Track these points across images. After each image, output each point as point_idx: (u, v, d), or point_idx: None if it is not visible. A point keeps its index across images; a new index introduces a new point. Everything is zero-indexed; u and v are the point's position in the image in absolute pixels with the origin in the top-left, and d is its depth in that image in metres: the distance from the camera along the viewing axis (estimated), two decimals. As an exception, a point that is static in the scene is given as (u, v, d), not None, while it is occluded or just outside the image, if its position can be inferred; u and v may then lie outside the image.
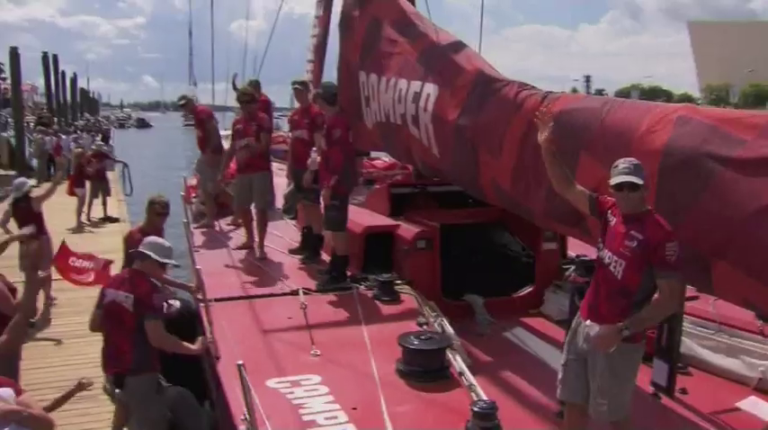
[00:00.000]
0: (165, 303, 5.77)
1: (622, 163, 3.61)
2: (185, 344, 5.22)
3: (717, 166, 3.62)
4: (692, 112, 3.97)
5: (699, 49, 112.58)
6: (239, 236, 8.76)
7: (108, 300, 5.15)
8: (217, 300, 6.05)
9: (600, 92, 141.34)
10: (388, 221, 7.04)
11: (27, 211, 9.25)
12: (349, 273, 6.75)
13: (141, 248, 5.22)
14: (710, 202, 3.65)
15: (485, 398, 4.22)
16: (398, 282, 6.41)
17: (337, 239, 6.80)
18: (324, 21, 10.32)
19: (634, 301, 3.57)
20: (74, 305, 9.14)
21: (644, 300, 3.56)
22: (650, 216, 3.60)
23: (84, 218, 16.11)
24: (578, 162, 4.51)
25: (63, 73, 55.51)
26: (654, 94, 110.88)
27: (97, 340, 5.46)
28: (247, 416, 3.73)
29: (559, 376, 3.94)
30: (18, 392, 3.83)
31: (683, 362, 5.27)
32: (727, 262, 3.58)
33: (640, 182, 3.55)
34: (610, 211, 3.77)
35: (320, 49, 10.21)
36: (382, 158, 10.67)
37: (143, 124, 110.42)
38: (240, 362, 3.79)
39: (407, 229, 6.65)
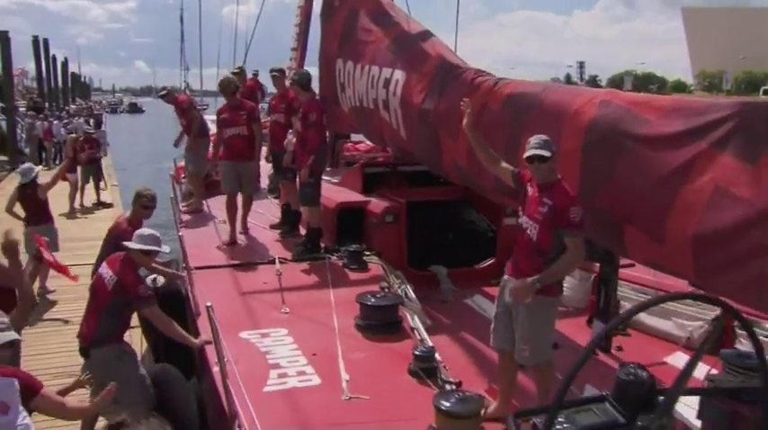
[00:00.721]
0: (151, 280, 6.23)
1: (534, 139, 4.20)
2: (185, 334, 5.48)
3: (628, 143, 4.20)
4: (612, 96, 4.55)
5: (693, 36, 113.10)
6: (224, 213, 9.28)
7: (98, 274, 5.55)
8: (198, 268, 6.65)
9: (594, 78, 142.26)
10: (360, 198, 7.65)
11: (33, 198, 9.59)
12: (323, 245, 7.36)
13: (134, 242, 5.46)
14: (622, 175, 4.23)
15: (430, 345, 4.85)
16: (367, 253, 7.02)
17: (312, 213, 7.44)
18: (306, 10, 10.84)
19: (548, 259, 4.16)
20: (72, 292, 9.02)
21: (557, 257, 4.16)
22: (559, 184, 4.19)
23: (77, 203, 16.25)
24: (521, 139, 5.09)
25: (54, 57, 55.66)
26: (647, 80, 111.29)
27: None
28: (217, 357, 4.31)
29: (491, 327, 4.55)
30: (37, 386, 3.90)
31: (624, 324, 5.88)
32: (635, 227, 4.18)
33: (548, 154, 4.13)
34: (528, 183, 4.36)
35: (302, 38, 10.74)
36: (366, 142, 11.25)
37: (135, 109, 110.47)
38: (209, 304, 4.40)
39: (377, 205, 7.26)
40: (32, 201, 9.59)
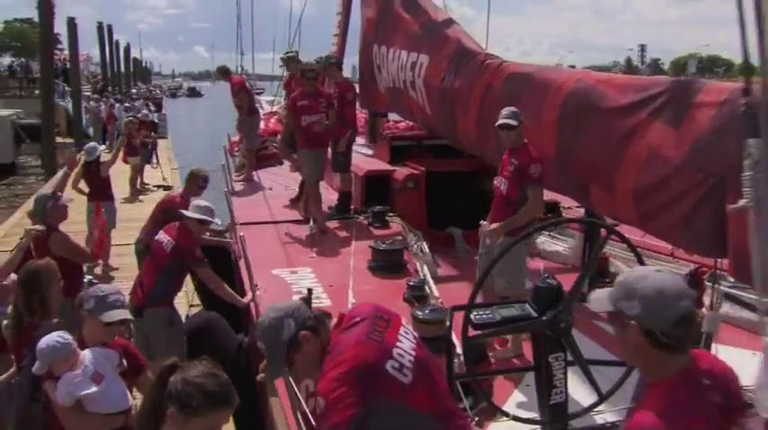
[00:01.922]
0: None
1: (504, 110, 5.20)
2: (234, 294, 6.11)
3: (592, 115, 5.13)
4: (585, 76, 5.49)
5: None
6: (274, 184, 10.45)
7: (155, 239, 6.13)
8: (243, 223, 7.92)
9: (655, 61, 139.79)
10: (386, 167, 8.76)
11: (96, 175, 10.42)
12: (353, 207, 8.57)
13: (190, 211, 6.01)
14: (587, 141, 5.17)
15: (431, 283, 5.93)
16: (390, 214, 8.15)
17: (343, 179, 8.64)
18: (346, -1, 11.95)
19: (515, 209, 5.18)
20: (130, 270, 9.10)
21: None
22: (524, 147, 5.19)
23: (138, 185, 16.78)
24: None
25: (117, 43, 57.89)
26: (712, 63, 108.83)
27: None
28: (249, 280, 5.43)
29: (477, 266, 5.57)
30: (143, 365, 4.11)
31: (611, 278, 6.79)
32: (597, 185, 5.12)
33: (515, 123, 5.13)
34: (505, 151, 5.39)
35: (344, 25, 11.83)
36: (406, 122, 12.33)
37: (194, 93, 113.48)
38: (242, 233, 5.54)
39: (400, 173, 8.36)
40: (96, 179, 10.43)
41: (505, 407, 4.13)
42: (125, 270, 9.76)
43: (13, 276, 5.21)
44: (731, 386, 2.30)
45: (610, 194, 4.98)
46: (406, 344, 2.78)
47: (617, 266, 6.80)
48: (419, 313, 4.42)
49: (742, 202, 2.63)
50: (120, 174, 15.50)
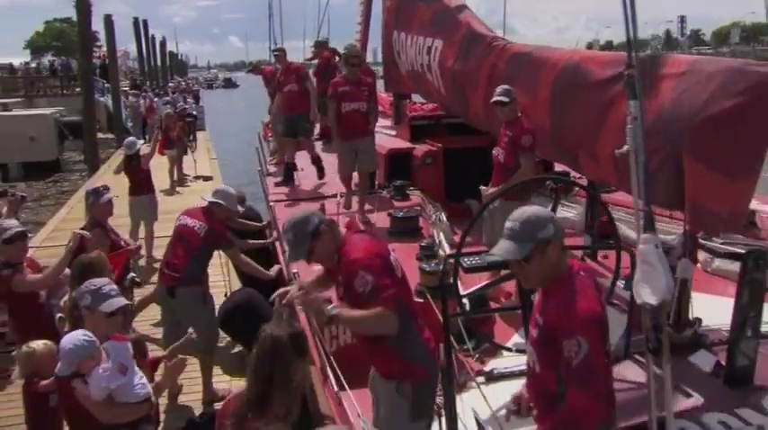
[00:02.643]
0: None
1: (498, 88, 5.91)
2: (261, 269, 6.57)
3: (578, 89, 5.81)
4: (575, 55, 6.18)
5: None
6: (305, 165, 11.10)
7: (180, 224, 6.36)
8: (276, 201, 8.77)
9: (696, 32, 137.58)
10: (407, 145, 9.60)
11: (136, 169, 10.72)
12: (377, 182, 9.37)
13: (215, 197, 6.36)
14: (574, 113, 5.87)
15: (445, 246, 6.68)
16: (411, 188, 8.93)
17: None
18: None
19: (511, 175, 5.91)
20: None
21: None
22: (518, 120, 5.92)
23: (175, 177, 17.11)
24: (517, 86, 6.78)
25: (153, 37, 59.09)
26: (758, 31, 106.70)
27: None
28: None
29: (483, 229, 6.31)
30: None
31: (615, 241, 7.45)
32: (584, 152, 5.82)
33: (507, 100, 5.88)
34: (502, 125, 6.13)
35: (366, 14, 12.62)
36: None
37: (230, 84, 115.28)
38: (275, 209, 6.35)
39: (419, 150, 9.21)
40: (136, 172, 10.73)
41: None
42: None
43: (67, 270, 5.51)
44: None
45: (595, 160, 5.67)
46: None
47: (623, 230, 7.49)
48: (425, 266, 5.20)
49: (625, 148, 3.37)
50: (159, 166, 15.69)
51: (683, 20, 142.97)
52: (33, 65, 52.55)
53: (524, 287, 3.94)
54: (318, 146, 11.51)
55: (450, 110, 9.12)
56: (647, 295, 3.14)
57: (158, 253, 10.00)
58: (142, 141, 13.72)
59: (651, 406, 3.24)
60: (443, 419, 3.78)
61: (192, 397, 6.54)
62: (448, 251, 6.66)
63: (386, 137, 10.23)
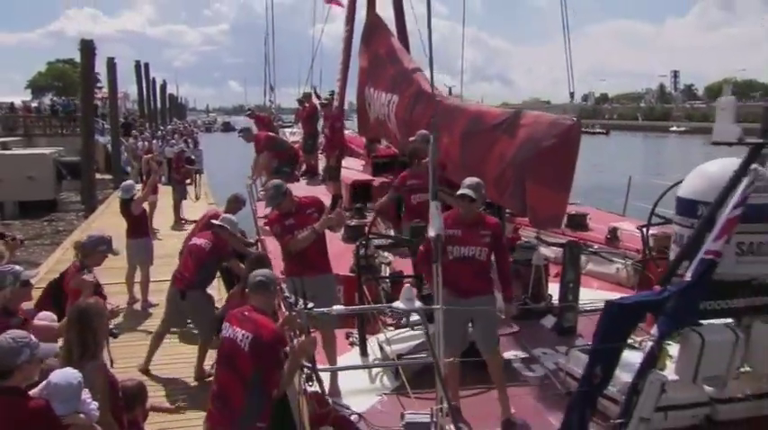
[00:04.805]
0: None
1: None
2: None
3: (477, 135, 8.43)
4: (475, 109, 8.90)
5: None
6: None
7: (191, 243, 8.91)
8: (261, 217, 11.43)
9: (689, 87, 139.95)
10: (368, 177, 12.56)
11: (130, 213, 11.21)
12: (343, 206, 11.97)
13: (222, 222, 8.77)
14: (474, 148, 8.47)
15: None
16: (369, 211, 11.59)
17: (335, 186, 12.25)
18: (346, 48, 15.56)
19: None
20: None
21: None
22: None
23: (171, 220, 18.19)
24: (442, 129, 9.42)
25: (153, 80, 61.27)
26: (749, 87, 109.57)
27: (190, 339, 9.25)
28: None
29: None
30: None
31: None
32: (480, 177, 8.46)
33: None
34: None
35: (344, 70, 15.47)
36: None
37: (228, 128, 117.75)
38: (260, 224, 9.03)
39: (377, 181, 12.09)
40: (131, 216, 11.25)
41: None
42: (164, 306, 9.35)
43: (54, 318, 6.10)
44: None
45: (488, 185, 8.31)
46: None
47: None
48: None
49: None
50: (159, 209, 17.43)
51: (676, 74, 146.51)
52: (34, 104, 53.96)
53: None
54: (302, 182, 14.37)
55: (402, 150, 11.80)
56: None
57: (154, 297, 11.10)
58: (140, 185, 14.31)
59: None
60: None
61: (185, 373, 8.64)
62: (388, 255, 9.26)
63: (354, 171, 13.25)
